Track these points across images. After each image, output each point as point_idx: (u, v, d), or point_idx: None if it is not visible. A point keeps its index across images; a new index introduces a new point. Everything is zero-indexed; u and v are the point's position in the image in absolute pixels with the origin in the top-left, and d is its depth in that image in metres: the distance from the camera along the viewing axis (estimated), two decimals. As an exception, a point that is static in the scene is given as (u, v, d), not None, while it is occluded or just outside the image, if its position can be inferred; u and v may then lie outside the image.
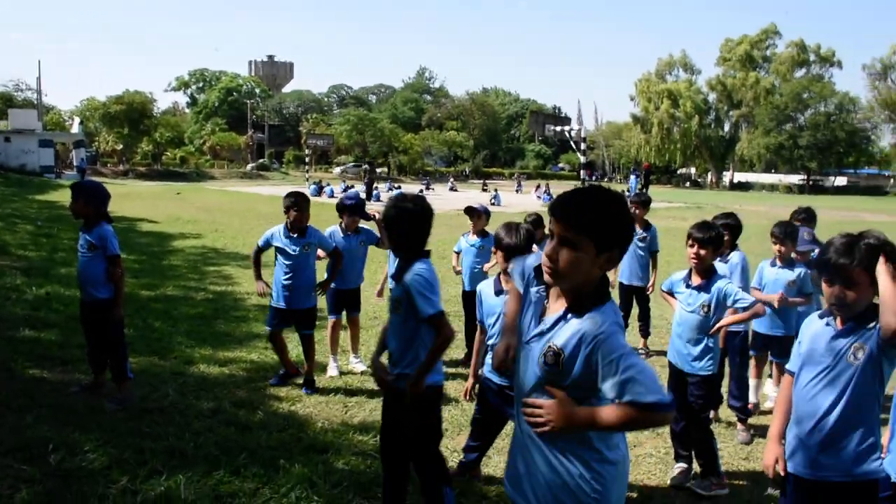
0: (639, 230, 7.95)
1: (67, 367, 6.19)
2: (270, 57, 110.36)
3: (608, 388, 2.04)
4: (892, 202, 50.44)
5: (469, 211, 7.33)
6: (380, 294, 7.27)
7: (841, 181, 69.56)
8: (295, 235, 5.99)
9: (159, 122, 64.46)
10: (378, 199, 31.61)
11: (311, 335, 6.16)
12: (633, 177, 39.23)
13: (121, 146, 61.12)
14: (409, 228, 3.47)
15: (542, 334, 2.17)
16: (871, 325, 2.69)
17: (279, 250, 6.03)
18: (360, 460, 4.55)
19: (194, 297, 9.82)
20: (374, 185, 35.28)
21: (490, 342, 4.31)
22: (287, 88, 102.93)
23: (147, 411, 5.20)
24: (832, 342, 2.79)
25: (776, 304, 5.51)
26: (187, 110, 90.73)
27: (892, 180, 70.07)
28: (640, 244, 7.92)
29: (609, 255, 2.08)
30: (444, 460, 3.74)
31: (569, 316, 2.12)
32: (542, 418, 2.11)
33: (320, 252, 6.26)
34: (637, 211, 7.97)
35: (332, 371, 6.55)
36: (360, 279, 6.81)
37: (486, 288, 4.41)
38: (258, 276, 6.22)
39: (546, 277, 2.15)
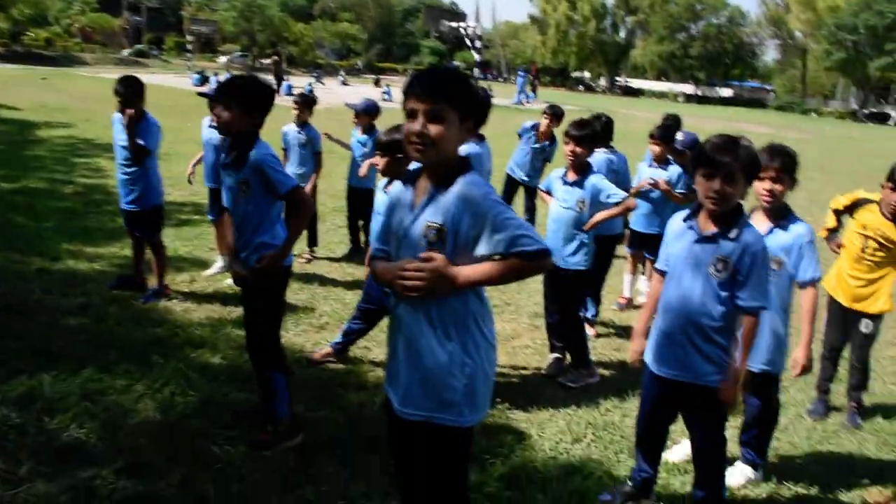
0: (543, 141, 8.02)
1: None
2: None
3: (491, 245, 2.13)
4: (771, 115, 53.02)
5: (350, 106, 7.11)
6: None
7: (727, 92, 72.33)
8: (125, 124, 5.20)
9: (18, -2, 58.20)
10: (290, 93, 29.94)
11: (154, 240, 5.58)
12: (519, 77, 39.22)
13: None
14: (247, 108, 3.36)
15: (415, 220, 2.22)
16: (733, 233, 2.80)
17: (115, 140, 5.38)
18: (238, 353, 4.47)
19: (61, 191, 9.21)
20: (283, 76, 33.06)
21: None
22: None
23: (7, 309, 4.90)
24: (694, 246, 2.90)
25: (648, 187, 5.76)
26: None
27: (772, 94, 73.49)
28: (541, 155, 8.06)
29: (468, 123, 2.21)
30: (279, 346, 3.70)
31: (439, 192, 2.18)
32: (420, 280, 2.12)
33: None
34: (549, 122, 7.96)
35: (213, 269, 6.30)
36: None
37: (380, 184, 4.39)
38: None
39: (416, 155, 2.17)
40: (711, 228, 2.86)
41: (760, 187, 3.25)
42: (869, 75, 61.29)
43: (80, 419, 3.51)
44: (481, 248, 2.14)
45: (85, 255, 6.35)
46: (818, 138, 31.73)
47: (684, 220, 2.99)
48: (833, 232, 4.61)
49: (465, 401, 2.24)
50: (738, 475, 3.58)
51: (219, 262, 6.34)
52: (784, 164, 3.24)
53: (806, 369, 3.48)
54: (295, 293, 5.84)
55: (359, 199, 6.85)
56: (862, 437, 4.30)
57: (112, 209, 8.22)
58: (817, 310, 3.47)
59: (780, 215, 3.35)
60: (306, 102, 6.86)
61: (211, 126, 5.97)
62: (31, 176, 9.89)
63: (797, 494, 3.56)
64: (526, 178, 8.19)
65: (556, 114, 8.01)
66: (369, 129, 6.96)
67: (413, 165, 2.38)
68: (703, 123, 31.50)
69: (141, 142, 5.20)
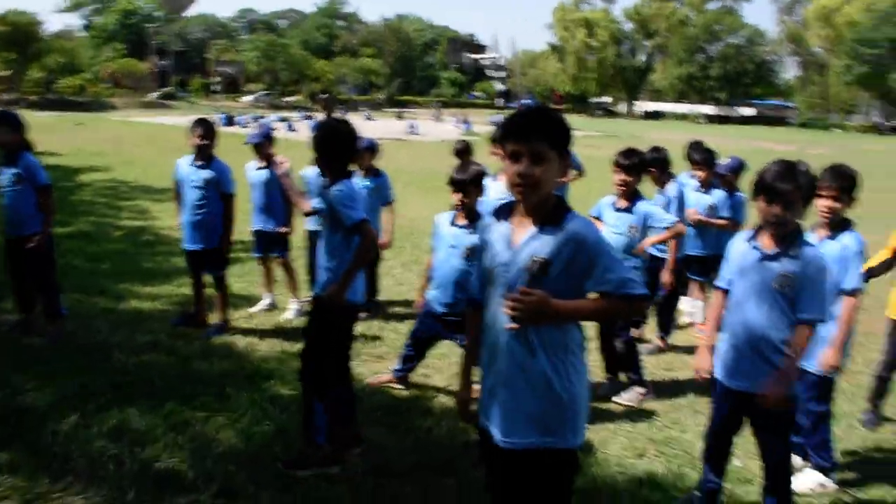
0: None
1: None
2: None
3: (601, 284, 2.23)
4: (795, 133, 52.93)
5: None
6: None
7: (748, 111, 72.36)
8: (199, 164, 5.58)
9: (50, 47, 60.18)
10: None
11: (221, 277, 5.83)
12: (528, 101, 39.95)
13: (8, 72, 56.84)
14: (335, 151, 3.69)
15: (517, 254, 2.27)
16: (794, 251, 2.98)
17: (184, 181, 5.64)
18: (306, 386, 4.66)
19: (112, 234, 9.57)
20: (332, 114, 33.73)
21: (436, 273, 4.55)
22: (190, 13, 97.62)
23: (83, 348, 5.14)
24: (759, 264, 3.06)
25: (691, 221, 5.88)
26: (82, 34, 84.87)
27: (794, 111, 73.40)
28: None
29: (566, 160, 2.30)
30: (337, 376, 3.78)
31: (545, 229, 2.25)
32: (524, 307, 2.17)
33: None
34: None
35: (261, 305, 6.48)
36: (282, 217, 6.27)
37: (442, 219, 4.57)
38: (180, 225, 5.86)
39: (519, 196, 2.27)
40: (774, 248, 3.03)
41: (820, 204, 3.51)
42: (891, 88, 61.01)
43: (170, 449, 3.70)
44: (589, 285, 2.24)
45: (145, 295, 6.61)
46: (844, 153, 31.54)
47: (747, 241, 3.15)
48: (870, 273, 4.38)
49: (570, 424, 2.31)
50: (807, 480, 3.70)
51: (266, 300, 6.54)
52: (843, 184, 3.53)
53: (834, 368, 3.61)
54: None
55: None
56: (916, 444, 4.39)
57: (164, 249, 8.54)
58: (854, 317, 3.60)
59: (836, 228, 3.61)
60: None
61: (258, 169, 6.21)
62: (80, 220, 10.28)
63: (858, 500, 3.67)
64: None
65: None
66: (373, 172, 6.54)
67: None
68: (727, 143, 31.55)
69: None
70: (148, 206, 11.74)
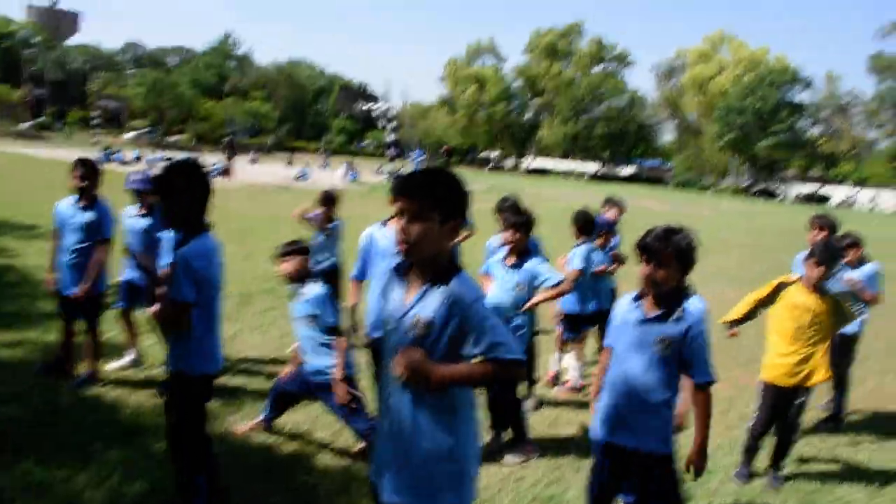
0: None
1: None
2: (53, 3, 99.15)
3: (473, 347, 2.24)
4: (672, 193, 56.12)
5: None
6: None
7: (629, 171, 76.50)
8: (82, 206, 5.25)
9: None
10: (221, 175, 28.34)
11: (94, 325, 5.46)
12: (417, 154, 41.80)
13: None
14: (187, 199, 3.19)
15: (406, 312, 2.30)
16: (675, 315, 3.08)
17: (63, 223, 5.26)
18: (183, 441, 4.41)
19: (-32, 273, 8.81)
20: (234, 160, 32.04)
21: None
22: (72, 42, 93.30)
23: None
24: (640, 325, 3.15)
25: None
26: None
27: (671, 172, 78.21)
28: None
29: (453, 224, 2.29)
30: (202, 449, 3.55)
31: (431, 288, 2.28)
32: (404, 368, 2.20)
33: None
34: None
35: (123, 361, 5.91)
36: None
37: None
38: (50, 268, 5.44)
39: (401, 254, 2.29)
40: (655, 310, 3.13)
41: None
42: (757, 154, 66.41)
43: (26, 514, 3.39)
44: (465, 349, 2.25)
45: (5, 342, 6.09)
46: (717, 214, 33.73)
47: (632, 301, 3.25)
48: (736, 323, 4.82)
49: (457, 486, 2.31)
50: None
51: (128, 356, 5.94)
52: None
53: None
54: (230, 379, 5.79)
55: None
56: (784, 497, 4.61)
57: (29, 291, 7.94)
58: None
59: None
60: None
61: (138, 215, 5.75)
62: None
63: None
64: None
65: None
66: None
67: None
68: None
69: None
70: (11, 245, 10.91)
